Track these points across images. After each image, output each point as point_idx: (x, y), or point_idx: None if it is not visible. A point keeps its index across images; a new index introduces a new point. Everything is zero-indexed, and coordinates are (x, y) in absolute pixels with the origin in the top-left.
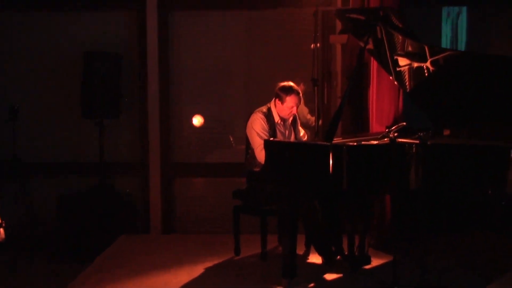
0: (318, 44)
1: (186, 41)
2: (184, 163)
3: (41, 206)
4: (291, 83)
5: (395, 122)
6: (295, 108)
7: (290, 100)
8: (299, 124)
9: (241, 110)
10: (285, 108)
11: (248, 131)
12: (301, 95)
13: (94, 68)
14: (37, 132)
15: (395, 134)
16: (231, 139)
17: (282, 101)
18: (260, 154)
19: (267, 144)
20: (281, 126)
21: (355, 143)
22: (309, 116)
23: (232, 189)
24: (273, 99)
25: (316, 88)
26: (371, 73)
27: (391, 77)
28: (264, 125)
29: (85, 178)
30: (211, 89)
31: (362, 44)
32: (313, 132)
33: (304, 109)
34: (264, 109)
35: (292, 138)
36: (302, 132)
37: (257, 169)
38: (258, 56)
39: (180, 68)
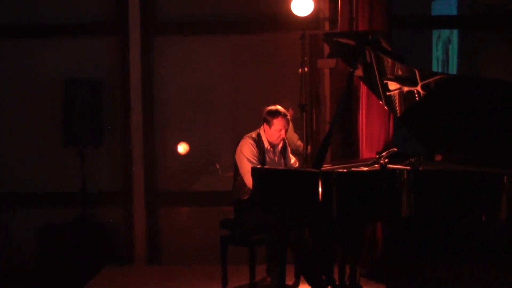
0: (305, 69)
1: (170, 67)
2: (169, 192)
3: (21, 238)
4: (278, 106)
5: (386, 147)
6: (283, 131)
7: (277, 123)
8: (289, 152)
9: (228, 137)
10: (273, 132)
11: (237, 156)
12: (289, 117)
13: (76, 95)
14: (17, 162)
15: (386, 160)
16: (218, 167)
17: (269, 124)
18: (249, 179)
19: (254, 171)
20: (270, 152)
21: (344, 170)
22: (299, 143)
23: (219, 218)
24: (262, 125)
25: (304, 113)
26: (361, 97)
27: (381, 102)
28: (254, 150)
29: (67, 209)
30: (197, 115)
31: (350, 69)
32: (302, 158)
33: (293, 136)
34: (253, 134)
35: (282, 165)
36: (293, 159)
37: (245, 197)
38: (245, 82)
39: (164, 94)
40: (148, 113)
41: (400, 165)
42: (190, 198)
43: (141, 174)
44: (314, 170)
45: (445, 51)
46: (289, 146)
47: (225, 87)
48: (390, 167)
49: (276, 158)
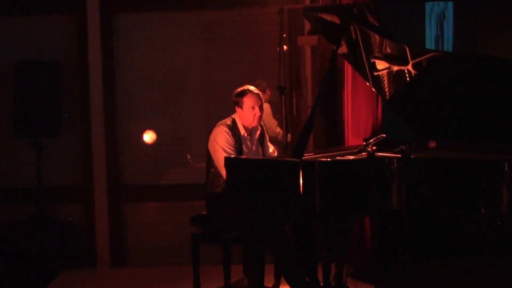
0: (284, 47)
1: (134, 47)
2: (134, 185)
3: None
4: (246, 86)
5: (374, 134)
6: (256, 108)
7: (247, 101)
8: (267, 140)
9: (200, 124)
10: (246, 112)
11: (210, 146)
12: (262, 96)
13: (28, 79)
14: None
15: (374, 148)
16: (189, 157)
17: (241, 106)
18: None
19: (228, 161)
20: (247, 141)
21: (328, 159)
22: (278, 130)
23: (191, 214)
24: (235, 110)
25: (283, 97)
26: (346, 78)
27: (368, 83)
28: (229, 139)
29: (21, 206)
30: (165, 100)
31: (334, 47)
32: (282, 147)
33: (272, 122)
34: (228, 121)
35: (260, 155)
36: (271, 148)
37: (219, 190)
38: (217, 62)
39: (128, 77)
40: (110, 99)
41: (389, 153)
42: (158, 192)
43: (103, 167)
44: (294, 159)
45: (440, 27)
46: (267, 133)
47: (196, 69)
48: (378, 155)
49: (254, 147)
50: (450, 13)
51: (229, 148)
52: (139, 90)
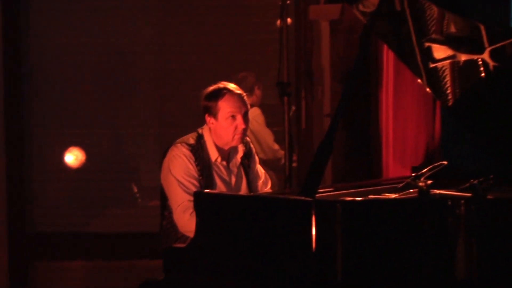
0: (288, 21)
1: (52, 21)
2: (50, 234)
3: None
4: (222, 83)
5: (429, 159)
6: (239, 117)
7: (224, 106)
8: (257, 162)
9: (152, 141)
10: (223, 124)
11: (163, 177)
12: (245, 98)
13: None
14: None
15: (429, 182)
16: (135, 191)
17: (213, 114)
18: (182, 218)
19: (199, 198)
20: (221, 168)
21: (356, 198)
22: (276, 146)
23: (138, 279)
24: (204, 121)
25: (285, 99)
26: (385, 73)
27: (420, 80)
28: (191, 167)
29: None
30: (99, 102)
31: (366, 22)
32: (283, 176)
33: (266, 134)
34: (191, 139)
35: (243, 189)
36: (262, 176)
37: (181, 245)
38: (181, 45)
39: (43, 67)
40: (14, 99)
41: (453, 191)
42: (87, 244)
43: (2, 205)
44: (303, 197)
45: None
46: (262, 150)
47: (147, 54)
48: (436, 194)
49: (233, 179)
50: None
51: (189, 181)
52: (61, 86)
